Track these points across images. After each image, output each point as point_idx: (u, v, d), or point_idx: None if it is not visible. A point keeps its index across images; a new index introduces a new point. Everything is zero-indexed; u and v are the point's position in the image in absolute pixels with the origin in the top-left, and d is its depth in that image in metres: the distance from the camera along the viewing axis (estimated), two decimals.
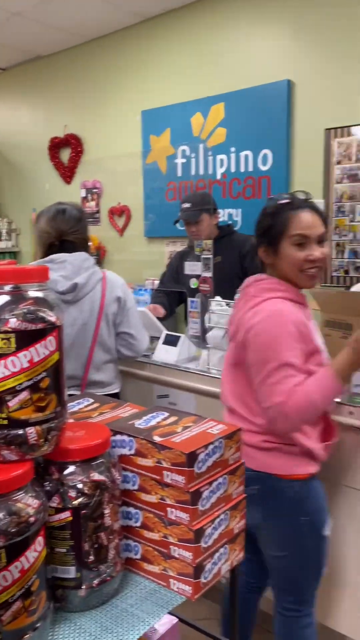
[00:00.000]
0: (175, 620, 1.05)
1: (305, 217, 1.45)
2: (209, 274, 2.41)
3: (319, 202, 3.16)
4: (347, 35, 3.01)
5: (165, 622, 1.05)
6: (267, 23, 3.34)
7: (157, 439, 0.86)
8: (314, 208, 1.48)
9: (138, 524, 0.89)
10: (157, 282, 3.26)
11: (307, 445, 1.44)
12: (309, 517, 1.47)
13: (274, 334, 1.39)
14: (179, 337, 2.43)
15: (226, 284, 2.62)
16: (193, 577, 0.84)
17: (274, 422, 1.38)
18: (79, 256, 1.96)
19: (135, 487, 0.89)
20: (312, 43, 3.15)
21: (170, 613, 1.07)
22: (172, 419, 0.95)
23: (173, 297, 2.94)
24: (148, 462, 0.86)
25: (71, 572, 0.80)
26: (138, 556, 0.90)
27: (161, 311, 2.74)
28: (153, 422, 0.93)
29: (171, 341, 2.44)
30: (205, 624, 1.92)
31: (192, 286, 2.53)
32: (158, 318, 2.62)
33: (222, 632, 1.70)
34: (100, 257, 4.36)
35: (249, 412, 1.48)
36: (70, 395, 1.12)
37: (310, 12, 3.13)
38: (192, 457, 0.82)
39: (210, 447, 0.86)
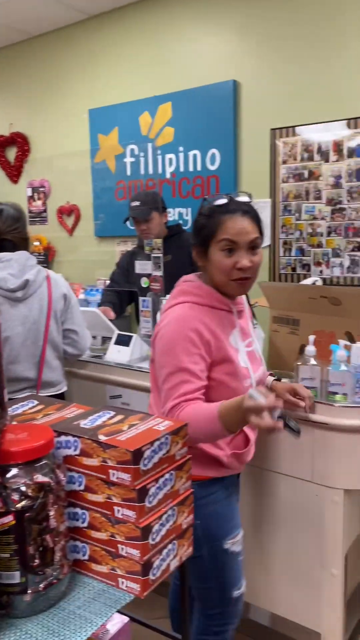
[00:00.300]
0: (126, 619, 1.05)
1: (237, 222, 1.35)
2: (159, 273, 2.41)
3: (266, 201, 3.23)
4: (290, 37, 3.08)
5: (116, 622, 1.04)
6: (213, 24, 3.37)
7: (102, 438, 0.85)
8: (249, 212, 1.38)
9: (85, 525, 0.88)
10: (108, 282, 3.24)
11: (207, 451, 1.38)
12: (200, 520, 1.32)
13: (173, 339, 1.34)
14: (131, 336, 2.42)
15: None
16: (141, 575, 0.84)
17: None
18: (23, 255, 1.98)
19: (81, 488, 0.88)
20: (257, 44, 3.21)
21: (122, 613, 1.07)
22: (119, 417, 0.95)
23: (123, 296, 2.94)
24: (93, 461, 0.86)
25: (16, 577, 0.79)
26: (86, 557, 0.89)
27: (111, 314, 2.74)
28: (99, 422, 0.93)
29: (123, 341, 2.43)
30: (161, 623, 1.92)
31: (143, 285, 2.53)
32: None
33: (171, 626, 1.70)
34: (49, 257, 4.29)
35: (157, 409, 1.45)
36: (14, 398, 1.10)
37: (255, 14, 3.19)
38: (137, 455, 0.82)
39: (157, 443, 0.86)
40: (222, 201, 1.39)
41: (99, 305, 2.82)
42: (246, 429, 1.45)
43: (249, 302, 1.59)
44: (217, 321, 1.39)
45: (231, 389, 1.36)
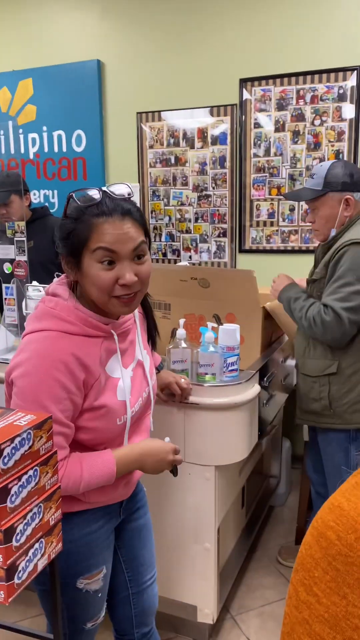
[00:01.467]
0: None
1: (116, 226, 1.07)
2: (23, 258, 2.29)
3: (135, 185, 3.20)
4: (155, 21, 3.06)
5: None
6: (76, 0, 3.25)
7: None
8: (130, 211, 1.10)
9: None
10: None
11: None
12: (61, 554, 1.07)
13: (36, 383, 1.07)
14: None
15: (41, 269, 2.52)
16: (5, 580, 0.78)
17: None
18: None
19: None
20: (121, 25, 3.15)
21: None
22: None
23: None
24: None
25: None
26: None
27: None
28: None
29: None
30: (37, 620, 1.85)
31: (6, 271, 2.39)
32: None
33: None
34: None
35: None
36: None
37: None
38: None
39: (17, 439, 0.81)
40: (94, 199, 1.09)
41: None
42: None
43: (146, 300, 1.37)
44: (91, 351, 1.14)
45: (100, 430, 1.16)
